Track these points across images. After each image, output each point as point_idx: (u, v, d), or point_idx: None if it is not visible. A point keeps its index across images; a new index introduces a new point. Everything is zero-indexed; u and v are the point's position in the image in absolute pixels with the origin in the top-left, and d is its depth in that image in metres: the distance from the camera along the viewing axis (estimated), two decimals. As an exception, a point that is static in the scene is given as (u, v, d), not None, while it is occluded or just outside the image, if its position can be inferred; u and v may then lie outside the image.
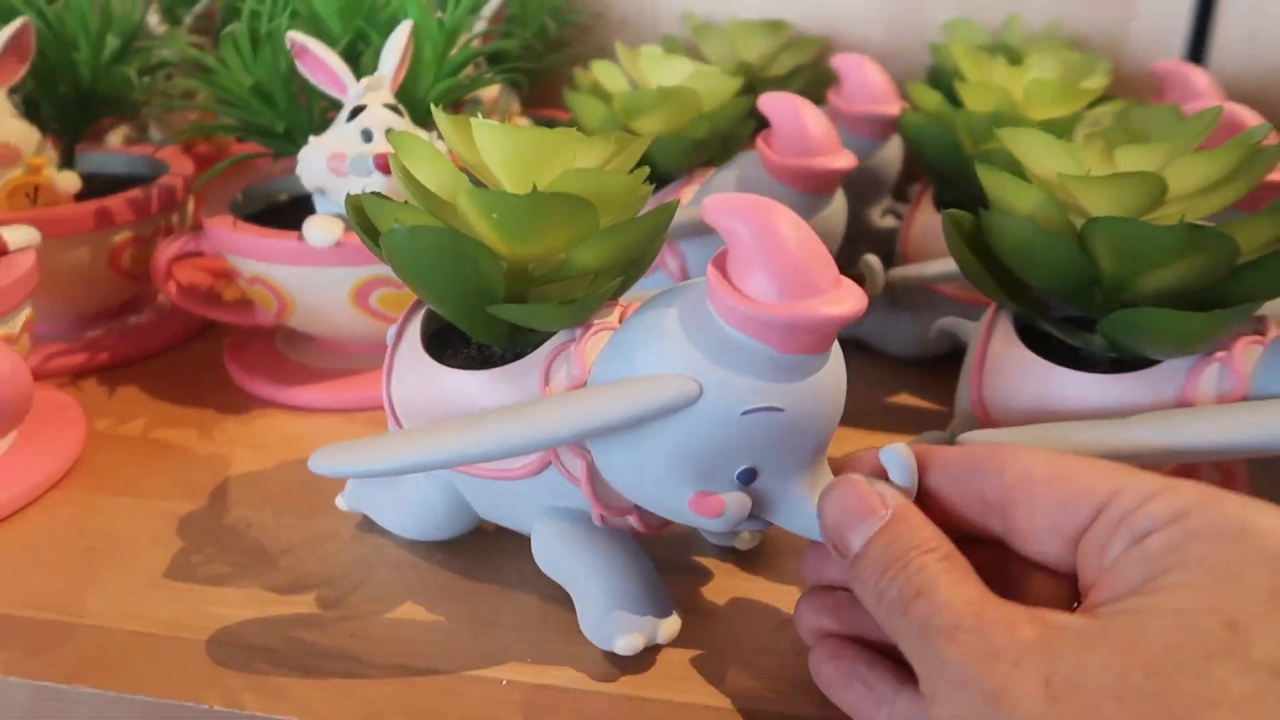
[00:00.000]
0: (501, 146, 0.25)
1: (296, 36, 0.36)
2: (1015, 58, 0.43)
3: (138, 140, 0.54)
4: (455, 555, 0.31)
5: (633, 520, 0.27)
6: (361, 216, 0.27)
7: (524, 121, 0.53)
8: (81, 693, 0.25)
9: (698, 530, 0.31)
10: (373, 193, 0.26)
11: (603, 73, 0.42)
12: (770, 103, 0.37)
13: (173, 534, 0.32)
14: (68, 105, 0.43)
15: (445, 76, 0.40)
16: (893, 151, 0.46)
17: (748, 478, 0.24)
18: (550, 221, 0.24)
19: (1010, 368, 0.28)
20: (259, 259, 0.38)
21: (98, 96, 0.43)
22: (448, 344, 0.29)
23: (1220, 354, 0.25)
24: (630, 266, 0.27)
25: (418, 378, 0.28)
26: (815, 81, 0.51)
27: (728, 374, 0.23)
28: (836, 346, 0.24)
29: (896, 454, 0.23)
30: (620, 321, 0.27)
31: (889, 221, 0.47)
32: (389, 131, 0.35)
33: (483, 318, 0.26)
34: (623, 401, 0.23)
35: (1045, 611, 0.19)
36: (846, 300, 0.23)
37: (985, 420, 0.29)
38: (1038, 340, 0.29)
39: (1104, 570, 0.20)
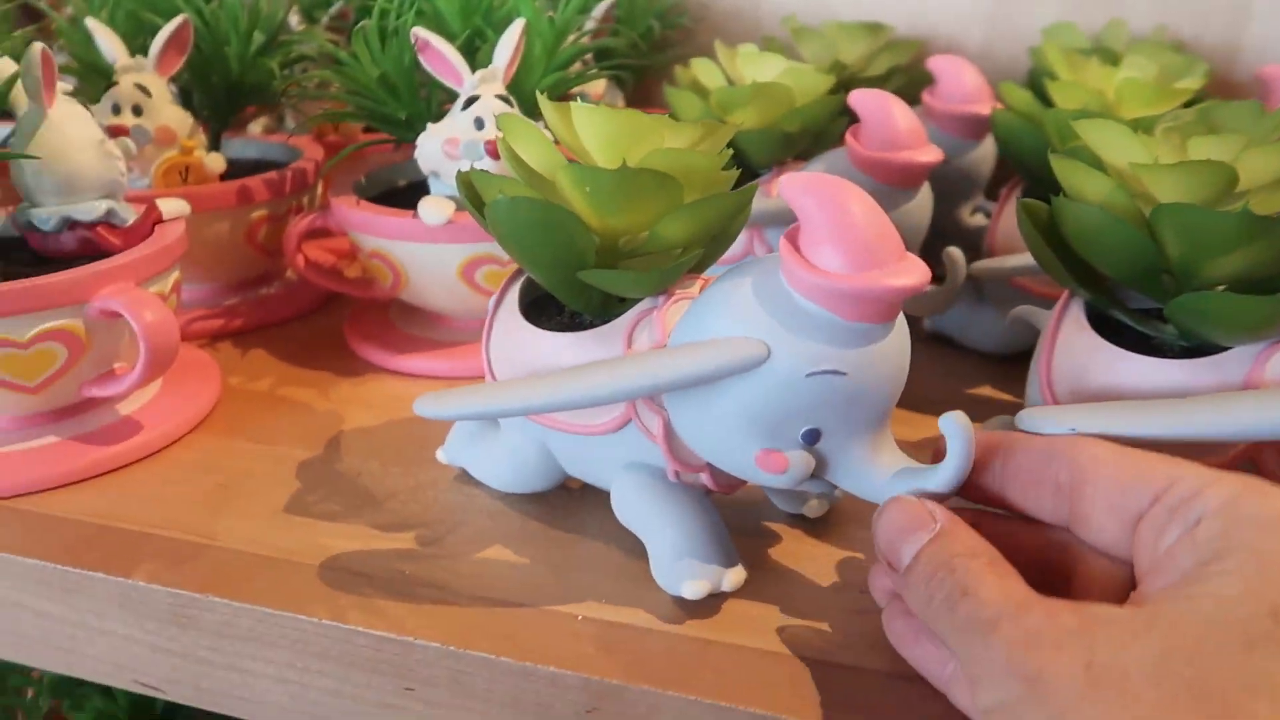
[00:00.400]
0: (596, 127, 0.28)
1: (420, 32, 0.39)
2: (1112, 60, 0.43)
3: (276, 129, 0.58)
4: (542, 507, 0.33)
5: (704, 478, 0.29)
6: (470, 190, 0.30)
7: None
8: (210, 601, 0.29)
9: (769, 497, 0.33)
10: (481, 169, 0.29)
11: (701, 70, 0.44)
12: (860, 99, 0.39)
13: (292, 476, 0.35)
14: (218, 94, 0.48)
15: (553, 71, 0.43)
16: (986, 151, 0.47)
17: (812, 438, 0.26)
18: (637, 195, 0.27)
19: (1078, 352, 0.29)
20: (378, 235, 0.41)
21: (244, 87, 0.48)
22: (543, 311, 0.32)
23: None
24: (712, 242, 0.29)
25: (513, 339, 0.31)
26: (911, 82, 0.52)
27: (795, 338, 0.24)
28: (902, 319, 0.26)
29: (954, 422, 0.24)
30: (700, 292, 0.29)
31: (979, 219, 0.47)
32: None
33: (574, 284, 0.29)
34: (696, 359, 0.25)
35: (1089, 604, 0.20)
36: (909, 273, 0.24)
37: (1052, 403, 0.29)
38: (1110, 331, 0.29)
39: (1157, 558, 0.21)
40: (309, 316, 0.50)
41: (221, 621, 0.29)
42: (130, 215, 0.38)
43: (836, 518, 0.32)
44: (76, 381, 0.35)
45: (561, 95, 0.45)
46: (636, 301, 0.29)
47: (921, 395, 0.35)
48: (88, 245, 0.37)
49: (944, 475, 0.25)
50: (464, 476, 0.35)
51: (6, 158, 0.34)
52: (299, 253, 0.45)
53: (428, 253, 0.41)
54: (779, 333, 0.25)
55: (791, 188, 0.25)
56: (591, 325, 0.30)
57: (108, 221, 0.37)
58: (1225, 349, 0.27)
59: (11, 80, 0.35)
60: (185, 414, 0.38)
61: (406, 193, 0.47)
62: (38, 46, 0.34)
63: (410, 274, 0.42)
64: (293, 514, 0.33)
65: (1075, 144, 0.37)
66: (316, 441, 0.38)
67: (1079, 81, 0.40)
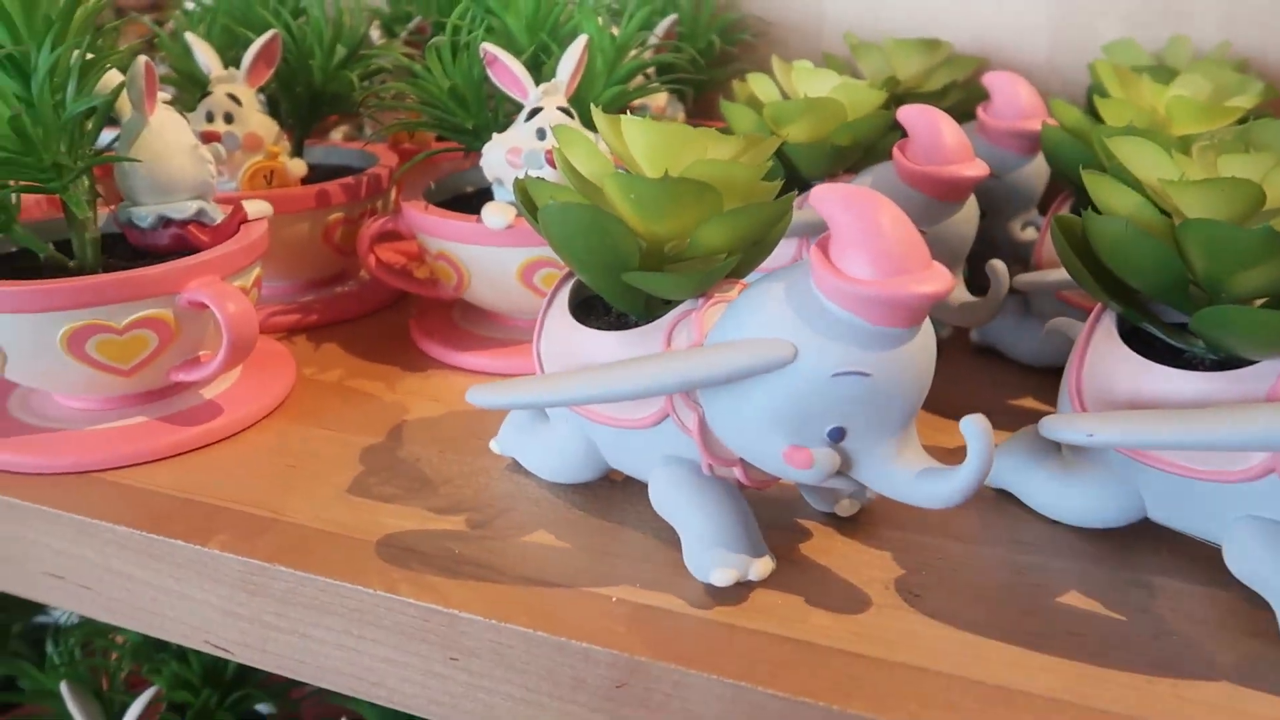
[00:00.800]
0: (644, 139, 0.30)
1: (489, 48, 0.42)
2: (1167, 77, 0.43)
3: (355, 137, 0.62)
4: (585, 497, 0.35)
5: (738, 472, 0.30)
6: (525, 196, 0.32)
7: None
8: (277, 571, 0.31)
9: (803, 495, 0.34)
10: (535, 176, 0.31)
11: (757, 84, 0.46)
12: (908, 114, 0.40)
13: (356, 460, 0.38)
14: (302, 104, 0.51)
15: (613, 84, 0.45)
16: (1039, 167, 0.48)
17: (837, 436, 0.27)
18: (678, 203, 0.28)
19: (1107, 363, 0.30)
20: (444, 238, 0.44)
21: (325, 97, 0.51)
22: (591, 311, 0.34)
23: None
24: (751, 248, 0.31)
25: (562, 337, 0.33)
26: (968, 99, 0.52)
27: (821, 340, 0.26)
28: (928, 325, 0.27)
29: (975, 425, 0.25)
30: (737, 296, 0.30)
31: (1029, 234, 0.48)
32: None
33: (620, 286, 0.31)
34: (728, 358, 0.26)
35: None
36: (932, 281, 0.25)
37: (1080, 411, 0.30)
38: (1143, 345, 0.30)
39: None
40: (379, 314, 0.53)
41: (287, 589, 0.31)
42: (218, 215, 0.41)
43: (867, 517, 0.34)
44: (165, 366, 0.38)
45: (622, 108, 0.47)
46: (678, 303, 0.31)
47: (966, 405, 0.36)
48: (180, 241, 0.40)
49: (964, 475, 0.26)
50: (514, 466, 0.37)
51: (112, 160, 0.37)
52: (371, 253, 0.47)
53: (489, 255, 0.43)
54: (807, 334, 0.26)
55: (822, 198, 0.26)
56: (636, 325, 0.32)
57: (198, 220, 0.40)
58: (1252, 363, 0.27)
59: (118, 90, 0.38)
60: (262, 401, 0.41)
61: (473, 199, 0.50)
62: (142, 59, 0.37)
63: (473, 275, 0.44)
64: (355, 494, 0.35)
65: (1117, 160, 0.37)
66: (380, 429, 0.40)
67: (1129, 99, 0.40)
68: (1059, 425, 0.27)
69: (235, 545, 0.32)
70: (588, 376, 0.28)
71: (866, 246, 0.25)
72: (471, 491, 0.35)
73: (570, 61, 0.42)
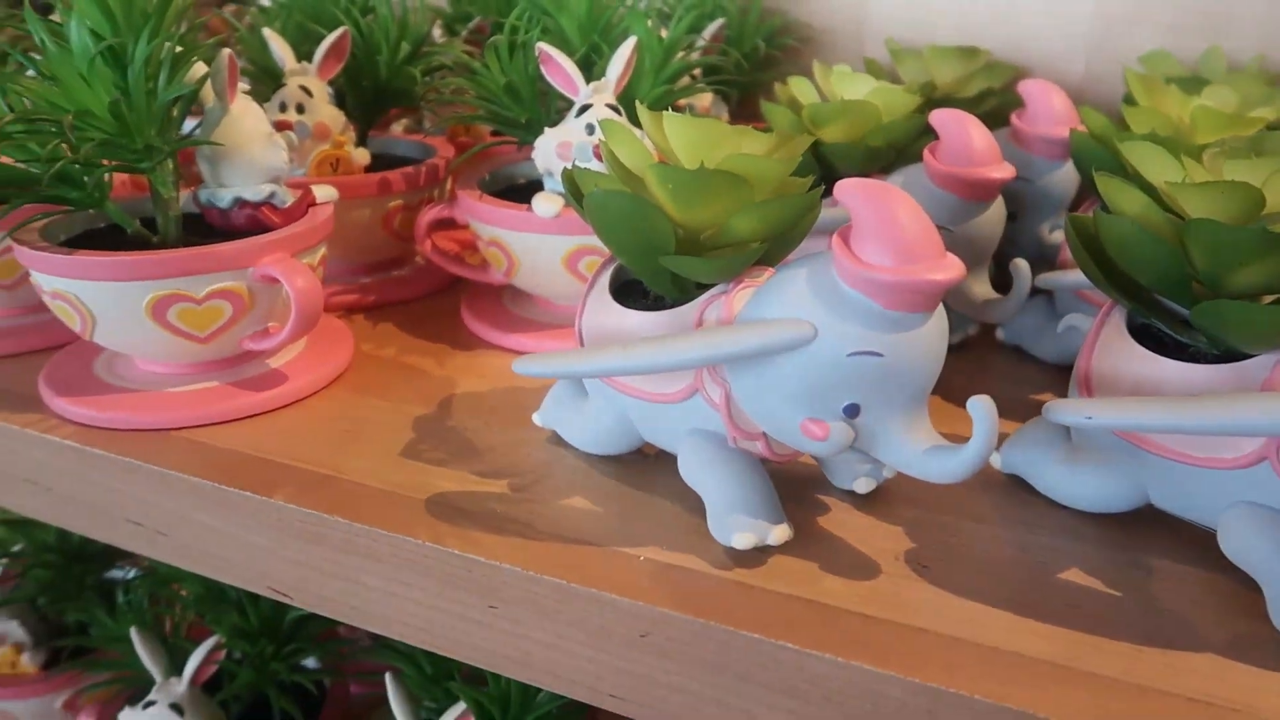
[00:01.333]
0: (683, 134, 0.32)
1: (544, 47, 0.44)
2: (1196, 88, 0.45)
3: (416, 129, 0.65)
4: (619, 467, 0.37)
5: (760, 445, 0.33)
6: (572, 185, 0.34)
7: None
8: (335, 521, 0.34)
9: (823, 472, 0.36)
10: (581, 166, 0.34)
11: (797, 87, 0.48)
12: (939, 117, 0.42)
13: (409, 426, 0.41)
14: (367, 97, 0.54)
15: (660, 84, 0.47)
16: (1069, 173, 0.49)
17: (852, 412, 0.29)
18: (711, 193, 0.31)
19: (1114, 355, 0.31)
20: (496, 225, 0.46)
21: (390, 91, 0.54)
22: (629, 294, 0.36)
23: None
24: (780, 238, 0.33)
25: (602, 316, 0.35)
26: (1004, 105, 0.54)
27: (839, 322, 0.28)
28: (940, 310, 0.29)
29: (980, 405, 0.27)
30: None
31: (1057, 236, 0.49)
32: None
33: (657, 269, 0.33)
34: (754, 335, 0.29)
35: None
36: (944, 270, 0.27)
37: (1088, 397, 0.32)
38: (1151, 341, 0.32)
39: None
40: (432, 297, 0.56)
41: (343, 539, 0.34)
42: (289, 198, 0.44)
43: (883, 495, 0.36)
44: (238, 335, 0.42)
45: (667, 106, 0.50)
46: (711, 287, 0.33)
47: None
48: (254, 221, 0.43)
49: (970, 450, 0.28)
50: (554, 438, 0.40)
51: (197, 144, 0.41)
52: (428, 238, 0.50)
53: (538, 242, 0.46)
54: (825, 316, 0.28)
55: (844, 190, 0.28)
56: (671, 307, 0.34)
57: (270, 202, 0.43)
58: (1251, 356, 0.29)
59: (204, 80, 0.41)
60: (323, 371, 0.44)
61: (525, 189, 0.52)
62: (226, 52, 0.41)
63: (522, 261, 0.47)
64: (406, 457, 0.38)
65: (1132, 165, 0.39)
66: (431, 401, 0.43)
67: (1155, 107, 0.42)
68: (1062, 410, 0.29)
69: (298, 498, 0.35)
70: (623, 350, 0.30)
71: (883, 236, 0.27)
72: (513, 459, 0.38)
73: (619, 61, 0.45)
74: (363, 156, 0.52)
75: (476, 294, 0.54)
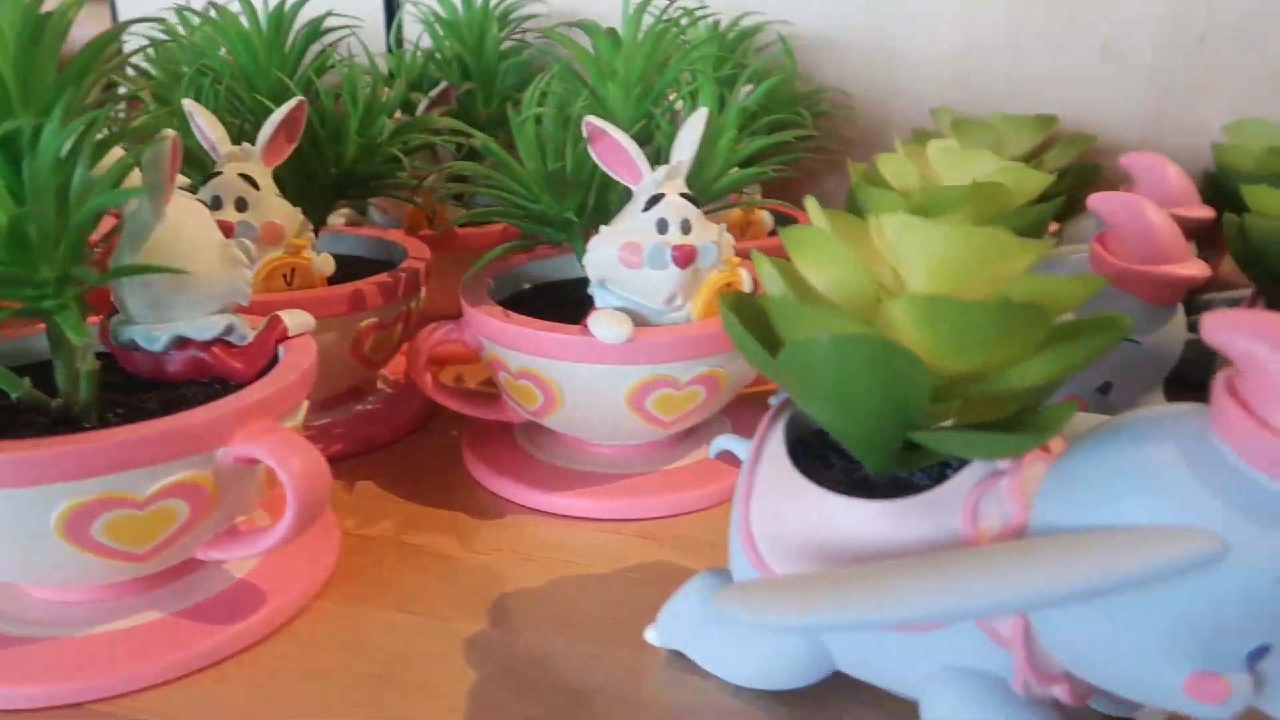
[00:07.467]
0: (925, 246, 0.22)
1: (594, 121, 0.34)
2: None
3: (359, 222, 0.52)
4: (794, 706, 0.26)
5: (1059, 691, 0.22)
6: (754, 319, 0.23)
7: (767, 215, 0.50)
8: None
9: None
10: (781, 296, 0.23)
11: (886, 165, 0.39)
12: (1106, 202, 0.34)
13: (461, 659, 0.28)
14: (323, 185, 0.42)
15: (729, 165, 0.37)
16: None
17: (1259, 655, 0.19)
18: (1009, 332, 0.21)
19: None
20: (534, 353, 0.35)
21: (355, 177, 0.42)
22: (799, 461, 0.26)
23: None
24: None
25: (790, 503, 0.24)
26: (1079, 182, 0.47)
27: (1260, 529, 0.18)
28: None
29: None
30: (1049, 450, 0.23)
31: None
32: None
33: (884, 439, 0.23)
34: (1131, 558, 0.19)
35: None
36: None
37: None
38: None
39: None
40: (411, 435, 0.43)
41: None
42: (249, 332, 0.31)
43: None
44: (192, 544, 0.28)
45: (734, 193, 0.40)
46: (933, 455, 0.23)
47: None
48: (198, 368, 0.30)
49: None
50: (680, 662, 0.28)
51: (129, 273, 0.28)
52: (426, 371, 0.38)
53: (595, 374, 0.34)
54: (1234, 521, 0.19)
55: (1221, 328, 0.19)
56: (919, 488, 0.24)
57: (225, 340, 0.31)
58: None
59: (122, 175, 0.28)
60: (307, 573, 0.31)
61: (534, 298, 0.41)
62: (170, 135, 0.28)
63: (567, 397, 0.35)
64: (480, 717, 0.26)
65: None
66: (475, 609, 0.31)
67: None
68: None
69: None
70: (933, 577, 0.20)
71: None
72: (635, 709, 0.26)
73: (690, 140, 0.35)
74: (326, 264, 0.39)
75: (480, 432, 0.42)
